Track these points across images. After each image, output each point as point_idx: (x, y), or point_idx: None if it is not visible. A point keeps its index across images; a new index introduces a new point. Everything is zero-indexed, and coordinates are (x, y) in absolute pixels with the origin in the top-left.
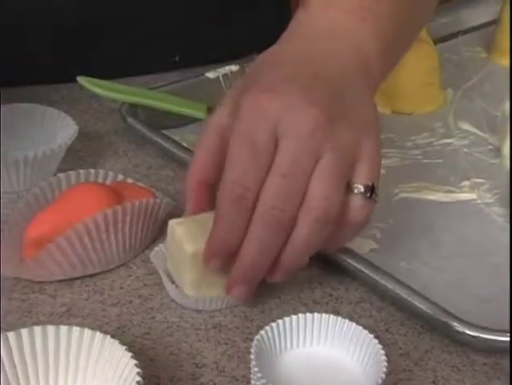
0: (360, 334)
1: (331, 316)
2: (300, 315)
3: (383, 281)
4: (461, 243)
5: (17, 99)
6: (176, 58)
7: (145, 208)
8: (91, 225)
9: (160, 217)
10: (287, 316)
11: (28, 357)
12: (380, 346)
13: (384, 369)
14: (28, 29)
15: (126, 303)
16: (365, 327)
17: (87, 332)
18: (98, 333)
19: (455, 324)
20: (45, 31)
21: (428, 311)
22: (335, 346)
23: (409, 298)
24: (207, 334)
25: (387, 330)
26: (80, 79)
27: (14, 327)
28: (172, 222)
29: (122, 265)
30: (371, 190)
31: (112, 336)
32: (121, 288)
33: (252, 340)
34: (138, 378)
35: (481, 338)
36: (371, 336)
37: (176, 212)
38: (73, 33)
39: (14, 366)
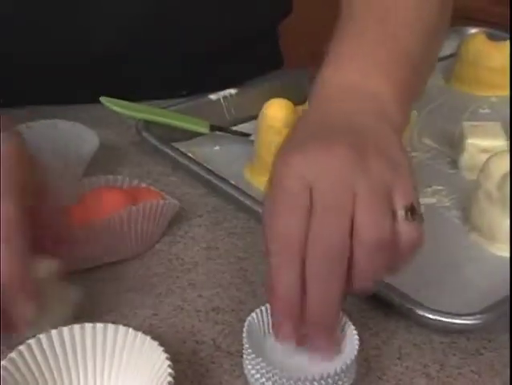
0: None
1: None
2: None
3: None
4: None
5: (53, 115)
6: (184, 93)
7: (155, 209)
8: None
9: (168, 216)
10: None
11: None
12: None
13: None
14: (68, 59)
15: (137, 289)
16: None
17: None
18: (121, 326)
19: (417, 309)
20: (84, 63)
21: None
22: None
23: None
24: (206, 315)
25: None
26: (103, 100)
27: None
28: None
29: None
30: (411, 211)
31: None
32: (133, 277)
33: (244, 321)
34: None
35: (439, 320)
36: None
37: (181, 213)
38: (103, 63)
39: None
